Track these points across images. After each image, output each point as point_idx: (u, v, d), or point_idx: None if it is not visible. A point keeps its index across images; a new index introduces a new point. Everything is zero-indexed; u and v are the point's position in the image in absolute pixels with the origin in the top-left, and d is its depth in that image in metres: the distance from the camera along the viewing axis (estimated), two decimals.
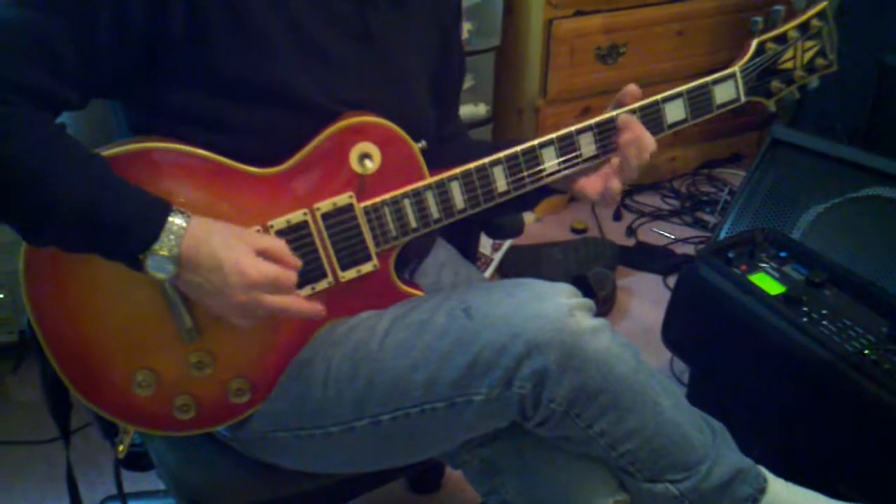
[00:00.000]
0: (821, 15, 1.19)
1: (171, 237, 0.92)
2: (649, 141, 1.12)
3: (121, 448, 1.11)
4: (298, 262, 1.00)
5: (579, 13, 2.50)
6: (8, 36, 0.88)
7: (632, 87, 1.14)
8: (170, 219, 0.92)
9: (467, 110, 2.52)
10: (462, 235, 1.42)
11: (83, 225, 0.91)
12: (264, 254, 0.97)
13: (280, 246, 0.99)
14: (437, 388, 0.99)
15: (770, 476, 1.10)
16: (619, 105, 1.14)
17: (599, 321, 1.00)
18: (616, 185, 1.12)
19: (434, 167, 1.09)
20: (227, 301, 0.95)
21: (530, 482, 1.06)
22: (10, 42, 0.88)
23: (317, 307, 1.03)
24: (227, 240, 0.95)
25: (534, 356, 0.96)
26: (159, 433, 1.10)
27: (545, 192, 1.19)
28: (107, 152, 0.96)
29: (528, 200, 1.19)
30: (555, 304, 0.98)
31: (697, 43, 2.72)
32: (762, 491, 1.08)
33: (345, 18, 1.05)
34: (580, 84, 2.59)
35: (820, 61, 1.21)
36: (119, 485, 1.23)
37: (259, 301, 0.96)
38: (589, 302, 1.02)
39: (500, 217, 1.38)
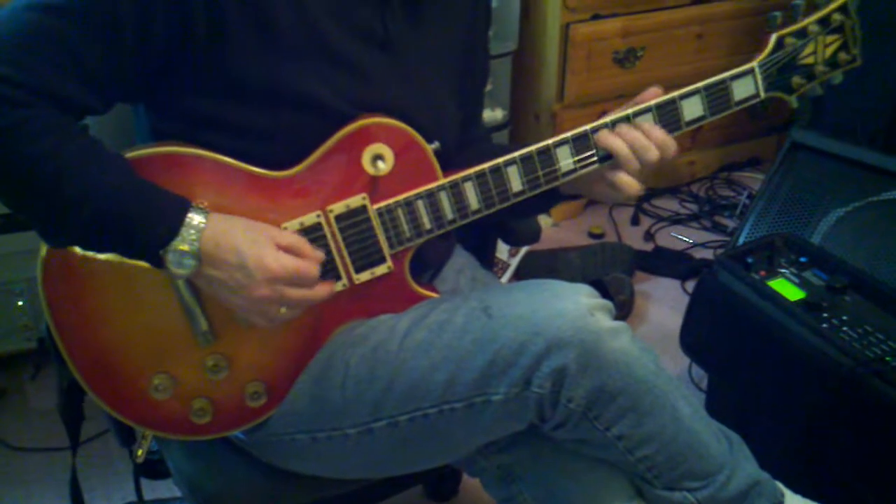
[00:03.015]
0: (842, 9, 1.17)
1: (191, 232, 0.93)
2: (644, 143, 1.07)
3: (139, 453, 1.11)
4: (321, 255, 1.01)
5: (596, 17, 2.49)
6: (30, 40, 0.88)
7: (654, 89, 1.11)
8: (189, 215, 0.93)
9: (484, 115, 2.52)
10: (478, 241, 1.41)
11: (103, 223, 0.91)
12: (286, 250, 0.97)
13: (302, 241, 1.00)
14: (456, 388, 0.99)
15: (787, 491, 1.09)
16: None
17: (619, 323, 0.99)
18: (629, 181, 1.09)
19: (455, 170, 1.08)
20: (248, 296, 0.95)
21: (547, 489, 1.05)
22: (33, 46, 0.88)
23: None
24: (249, 234, 0.96)
25: (553, 354, 0.95)
26: (176, 437, 1.10)
27: (560, 196, 1.18)
28: (127, 155, 0.96)
29: (543, 204, 1.18)
30: (575, 303, 0.98)
31: (716, 46, 2.70)
32: None
33: (365, 26, 1.05)
34: (597, 88, 2.58)
35: (843, 56, 1.19)
36: (138, 491, 1.23)
37: (281, 294, 0.96)
38: (608, 303, 1.02)
39: (515, 220, 1.38)
